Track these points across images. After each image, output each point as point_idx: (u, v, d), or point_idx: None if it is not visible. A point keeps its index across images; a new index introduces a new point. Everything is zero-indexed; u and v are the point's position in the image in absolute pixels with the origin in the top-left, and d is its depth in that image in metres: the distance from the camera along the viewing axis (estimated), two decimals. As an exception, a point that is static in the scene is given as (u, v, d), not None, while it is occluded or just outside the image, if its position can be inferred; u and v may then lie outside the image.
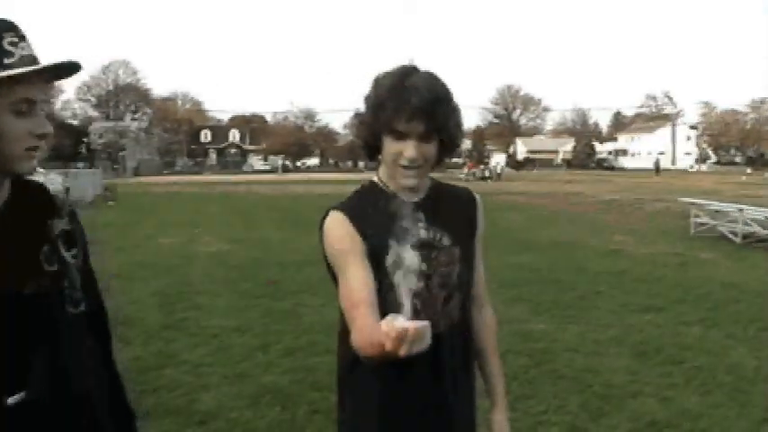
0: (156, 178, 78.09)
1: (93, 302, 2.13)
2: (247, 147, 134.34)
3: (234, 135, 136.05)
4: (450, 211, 2.61)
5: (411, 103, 2.33)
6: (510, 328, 8.57)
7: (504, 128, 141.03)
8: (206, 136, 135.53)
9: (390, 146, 2.42)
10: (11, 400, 1.82)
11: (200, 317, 9.81)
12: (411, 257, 2.43)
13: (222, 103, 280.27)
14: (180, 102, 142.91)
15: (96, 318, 2.18)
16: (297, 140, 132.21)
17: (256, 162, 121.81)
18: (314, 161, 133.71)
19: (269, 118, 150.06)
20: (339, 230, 2.45)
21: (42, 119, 1.84)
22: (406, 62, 2.50)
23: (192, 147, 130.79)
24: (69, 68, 1.88)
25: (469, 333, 2.67)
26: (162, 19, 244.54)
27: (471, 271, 2.66)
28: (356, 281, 2.35)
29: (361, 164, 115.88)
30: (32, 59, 1.81)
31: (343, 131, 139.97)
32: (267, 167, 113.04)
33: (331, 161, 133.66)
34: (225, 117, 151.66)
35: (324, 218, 2.52)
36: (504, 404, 2.76)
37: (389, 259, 2.44)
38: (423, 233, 2.52)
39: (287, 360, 7.75)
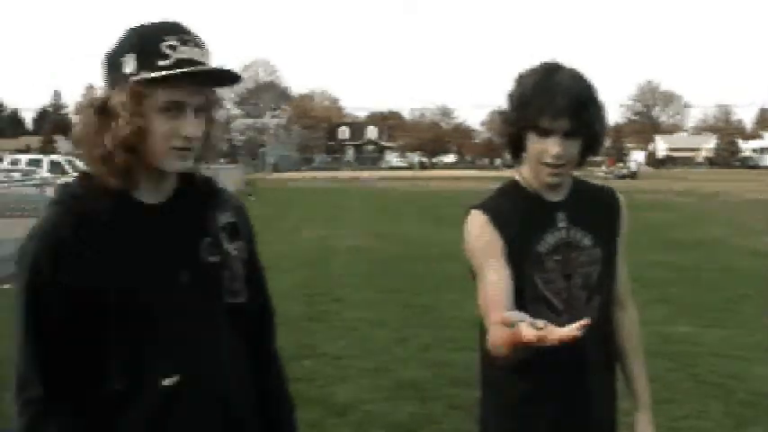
0: (295, 174, 79.50)
1: (255, 295, 2.19)
2: (384, 143, 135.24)
3: (371, 132, 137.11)
4: (593, 211, 2.58)
5: (556, 100, 2.32)
6: (650, 330, 8.37)
7: (644, 125, 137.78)
8: (343, 133, 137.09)
9: (534, 143, 2.41)
10: (167, 382, 1.91)
11: (340, 309, 9.97)
12: (552, 258, 2.47)
13: (360, 100, 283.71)
14: (318, 99, 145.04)
15: (258, 310, 2.25)
16: (433, 137, 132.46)
17: (393, 158, 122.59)
18: (450, 158, 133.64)
19: (406, 114, 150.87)
20: (479, 231, 2.46)
21: (191, 121, 1.88)
22: (549, 59, 2.48)
23: (330, 143, 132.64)
24: (223, 75, 1.93)
25: (610, 334, 2.65)
26: (300, 18, 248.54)
27: (613, 272, 2.63)
28: (493, 282, 2.36)
29: (497, 161, 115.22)
30: (189, 63, 1.86)
31: (480, 128, 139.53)
32: (404, 164, 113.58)
33: (467, 158, 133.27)
34: (362, 114, 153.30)
35: (466, 216, 2.53)
36: (648, 405, 2.73)
37: (530, 260, 2.46)
38: (564, 233, 2.52)
39: (425, 354, 7.81)
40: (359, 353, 7.81)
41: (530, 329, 1.78)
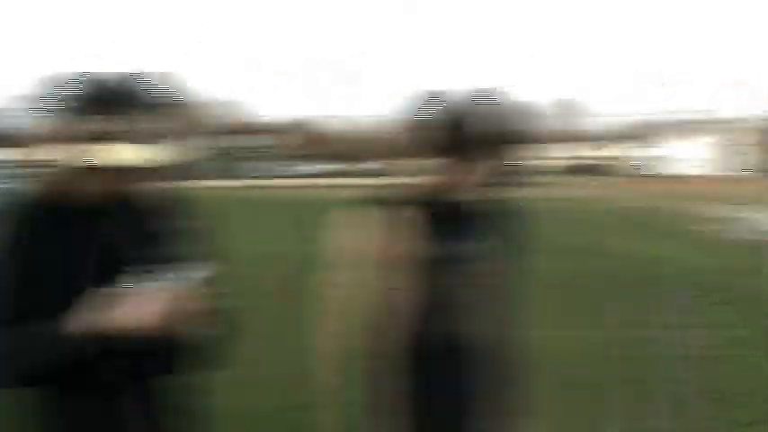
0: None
1: None
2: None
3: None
4: (472, 220, 2.60)
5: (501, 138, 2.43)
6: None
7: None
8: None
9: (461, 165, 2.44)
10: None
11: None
12: (446, 265, 2.54)
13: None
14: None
15: None
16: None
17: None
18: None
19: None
20: (367, 231, 2.50)
21: None
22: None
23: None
24: None
25: (495, 338, 2.67)
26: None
27: (497, 281, 2.64)
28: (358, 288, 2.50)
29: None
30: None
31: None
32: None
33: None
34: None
35: (353, 209, 2.54)
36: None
37: (428, 263, 2.52)
38: (458, 241, 2.56)
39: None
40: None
41: None
